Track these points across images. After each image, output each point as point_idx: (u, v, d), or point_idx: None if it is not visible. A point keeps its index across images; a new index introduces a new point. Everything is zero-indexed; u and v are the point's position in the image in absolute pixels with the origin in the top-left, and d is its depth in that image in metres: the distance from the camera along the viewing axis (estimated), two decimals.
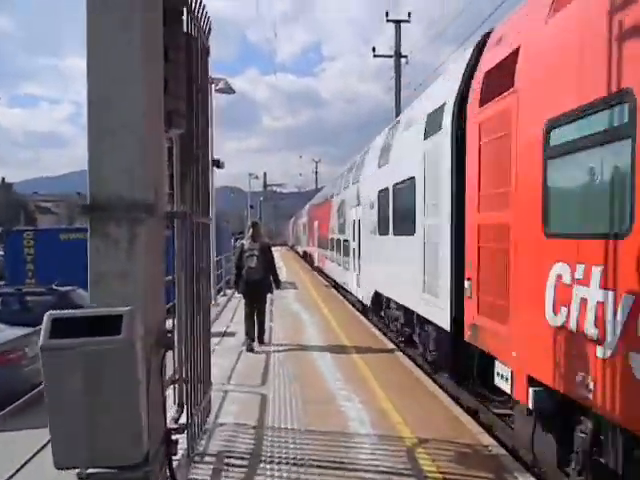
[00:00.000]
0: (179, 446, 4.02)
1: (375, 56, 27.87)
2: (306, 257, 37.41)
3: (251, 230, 9.59)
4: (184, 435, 4.39)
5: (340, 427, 5.29)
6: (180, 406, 4.52)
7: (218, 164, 17.02)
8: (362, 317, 12.45)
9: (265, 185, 65.00)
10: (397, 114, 22.03)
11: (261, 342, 9.30)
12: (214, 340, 9.71)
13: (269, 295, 9.73)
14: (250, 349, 8.92)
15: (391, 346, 9.24)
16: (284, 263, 34.65)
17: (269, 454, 4.72)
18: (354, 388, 6.59)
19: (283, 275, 24.10)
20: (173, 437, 3.98)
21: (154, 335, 3.63)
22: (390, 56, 27.34)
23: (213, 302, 14.29)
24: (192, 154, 4.78)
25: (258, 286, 9.15)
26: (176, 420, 4.53)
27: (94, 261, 3.36)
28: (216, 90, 15.72)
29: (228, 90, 15.75)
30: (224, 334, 10.45)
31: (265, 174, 64.80)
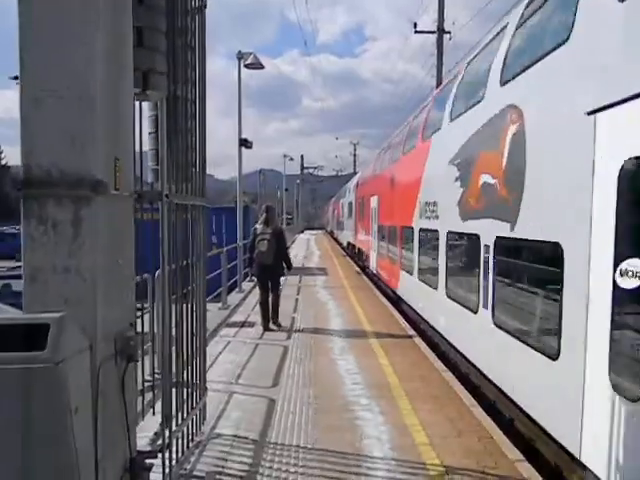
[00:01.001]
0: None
1: (416, 32, 26.57)
2: (354, 253, 25.14)
3: (264, 215, 9.55)
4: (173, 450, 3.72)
5: (353, 447, 4.52)
6: (165, 418, 3.83)
7: (246, 143, 16.40)
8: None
9: (302, 167, 64.27)
10: None
11: (275, 323, 9.47)
12: (231, 331, 9.12)
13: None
14: (266, 328, 9.31)
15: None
16: (319, 253, 33.94)
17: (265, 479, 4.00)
18: (374, 394, 5.81)
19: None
20: (149, 460, 3.30)
21: (114, 343, 2.93)
22: (432, 32, 25.97)
23: (237, 289, 13.71)
24: (180, 123, 4.04)
25: (270, 269, 9.30)
26: (154, 440, 3.88)
27: (28, 251, 2.66)
28: (245, 65, 14.96)
29: (257, 65, 14.94)
30: (243, 324, 9.81)
31: (302, 156, 64.05)
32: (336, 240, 43.23)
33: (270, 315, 9.42)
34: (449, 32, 25.85)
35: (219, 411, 5.32)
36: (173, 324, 3.93)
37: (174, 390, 3.88)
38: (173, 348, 3.96)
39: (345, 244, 32.85)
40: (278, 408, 5.46)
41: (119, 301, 3.02)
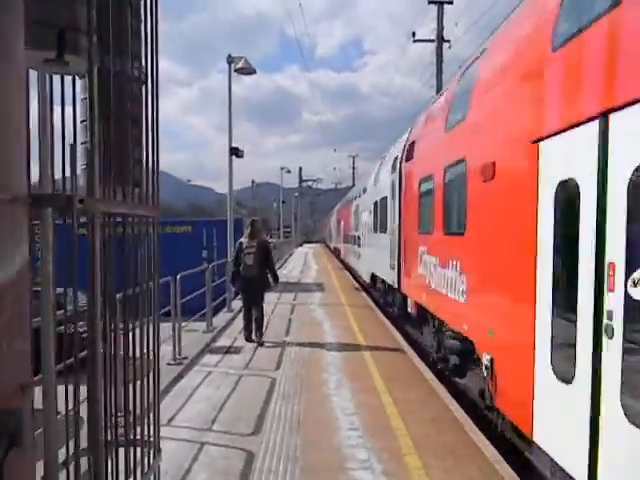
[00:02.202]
0: None
1: (415, 41, 26.02)
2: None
3: (250, 228, 9.49)
4: None
5: None
6: None
7: (237, 152, 15.47)
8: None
9: (300, 180, 63.45)
10: None
11: (259, 338, 9.30)
12: (213, 359, 8.09)
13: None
14: (248, 339, 9.34)
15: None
16: (315, 262, 33.06)
17: None
18: (375, 446, 4.77)
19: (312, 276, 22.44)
20: None
21: None
22: (431, 40, 25.41)
23: (226, 309, 12.68)
24: (120, 107, 3.06)
25: (254, 282, 9.23)
26: None
27: None
28: (235, 70, 14.08)
29: (248, 69, 14.05)
30: (228, 350, 8.78)
31: (300, 169, 63.27)
32: (343, 262, 31.09)
33: (254, 330, 9.37)
34: (448, 41, 25.25)
35: (182, 474, 4.27)
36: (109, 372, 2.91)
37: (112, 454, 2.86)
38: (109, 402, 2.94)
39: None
40: (257, 466, 4.42)
41: None
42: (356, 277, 21.69)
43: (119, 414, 3.10)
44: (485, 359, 5.50)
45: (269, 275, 9.54)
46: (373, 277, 15.92)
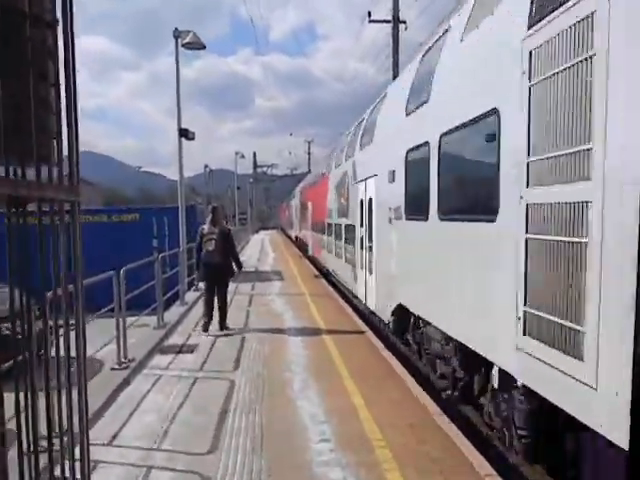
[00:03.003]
0: None
1: (371, 21, 25.44)
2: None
3: (210, 215, 9.47)
4: None
5: None
6: None
7: (187, 134, 14.47)
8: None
9: (255, 166, 62.12)
10: None
11: (222, 327, 9.29)
12: (164, 361, 7.31)
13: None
14: (206, 329, 9.20)
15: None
16: (273, 248, 32.40)
17: None
18: (350, 461, 4.19)
19: (269, 263, 21.65)
20: None
21: None
22: (387, 21, 24.88)
23: (179, 302, 11.82)
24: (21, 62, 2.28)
25: (217, 270, 9.18)
26: None
27: None
28: (183, 45, 13.05)
29: (197, 44, 13.05)
30: (181, 349, 8.00)
31: (255, 154, 61.88)
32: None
33: (218, 319, 9.30)
34: (404, 22, 24.82)
35: None
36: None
37: None
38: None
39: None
40: None
41: None
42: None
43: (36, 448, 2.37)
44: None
45: (233, 262, 9.47)
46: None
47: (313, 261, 22.44)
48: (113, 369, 6.80)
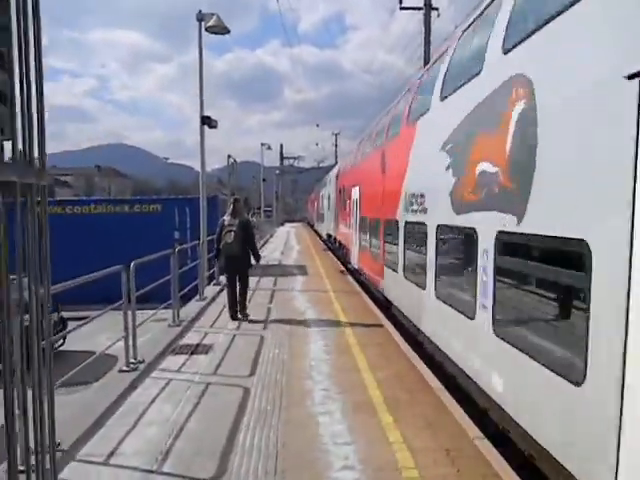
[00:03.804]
0: None
1: (402, 8, 24.59)
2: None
3: (231, 206, 9.51)
4: None
5: None
6: None
7: (209, 122, 13.97)
8: None
9: (282, 157, 61.64)
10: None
11: (243, 315, 9.45)
12: (176, 362, 6.82)
13: None
14: (234, 318, 9.34)
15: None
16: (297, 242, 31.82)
17: None
18: None
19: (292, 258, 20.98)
20: None
21: None
22: (419, 8, 24.00)
23: (197, 297, 11.34)
24: None
25: (236, 261, 9.28)
26: None
27: None
28: (206, 29, 12.52)
29: (221, 29, 12.51)
30: (195, 349, 7.49)
31: (282, 145, 61.35)
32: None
33: (238, 307, 9.44)
34: (437, 8, 23.91)
35: None
36: None
37: None
38: None
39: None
40: None
41: None
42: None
43: None
44: None
45: (251, 254, 9.51)
46: None
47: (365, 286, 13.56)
48: (121, 371, 6.32)
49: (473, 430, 4.68)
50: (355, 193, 15.37)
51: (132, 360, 6.56)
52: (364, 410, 5.15)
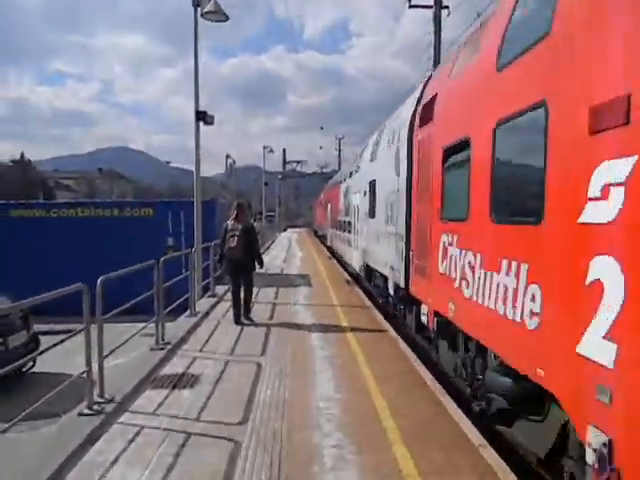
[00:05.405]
0: None
1: (411, 6, 23.58)
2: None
3: (235, 211, 9.51)
4: None
5: None
6: None
7: (205, 118, 12.77)
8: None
9: (284, 162, 60.45)
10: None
11: (247, 318, 9.56)
12: (153, 400, 5.58)
13: None
14: (236, 322, 9.40)
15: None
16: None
17: None
18: None
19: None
20: None
21: None
22: (429, 6, 22.97)
23: (188, 312, 10.08)
24: None
25: (240, 265, 9.33)
26: None
27: None
28: (203, 15, 11.35)
29: (219, 15, 11.33)
30: (177, 383, 6.21)
31: (284, 150, 60.21)
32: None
33: (242, 310, 9.53)
34: (447, 7, 22.88)
35: None
36: None
37: None
38: None
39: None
40: None
41: None
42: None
43: None
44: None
45: (254, 259, 9.57)
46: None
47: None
48: (81, 414, 5.07)
49: None
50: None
51: (97, 399, 5.31)
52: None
